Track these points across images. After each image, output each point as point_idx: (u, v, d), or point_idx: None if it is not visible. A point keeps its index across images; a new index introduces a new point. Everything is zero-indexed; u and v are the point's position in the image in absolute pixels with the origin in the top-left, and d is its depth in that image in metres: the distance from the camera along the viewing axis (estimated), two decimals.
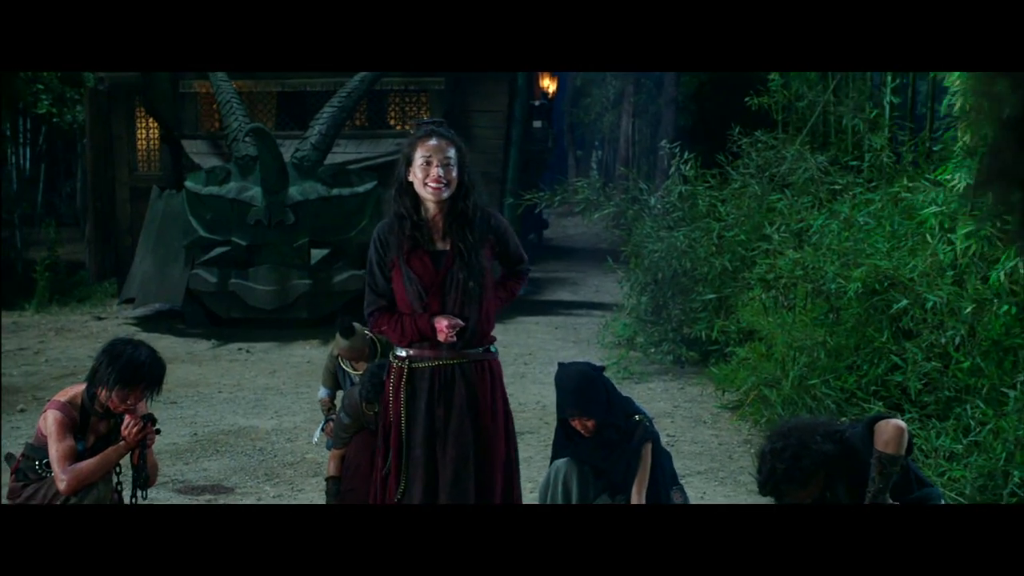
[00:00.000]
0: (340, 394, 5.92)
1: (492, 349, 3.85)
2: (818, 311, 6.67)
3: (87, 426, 4.20)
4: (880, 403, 5.95)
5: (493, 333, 3.88)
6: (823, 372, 6.29)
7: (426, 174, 3.67)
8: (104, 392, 4.13)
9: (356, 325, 5.80)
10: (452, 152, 3.70)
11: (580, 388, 4.28)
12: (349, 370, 6.02)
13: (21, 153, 15.47)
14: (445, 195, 3.68)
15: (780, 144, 8.81)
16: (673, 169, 9.25)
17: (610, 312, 10.76)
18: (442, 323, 3.66)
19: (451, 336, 3.65)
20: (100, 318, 11.56)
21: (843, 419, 5.53)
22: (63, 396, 4.22)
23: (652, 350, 9.08)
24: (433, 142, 3.70)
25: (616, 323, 9.84)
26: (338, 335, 5.88)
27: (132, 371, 4.09)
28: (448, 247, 3.74)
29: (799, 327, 6.66)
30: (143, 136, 13.10)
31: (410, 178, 3.74)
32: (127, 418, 4.15)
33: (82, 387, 4.23)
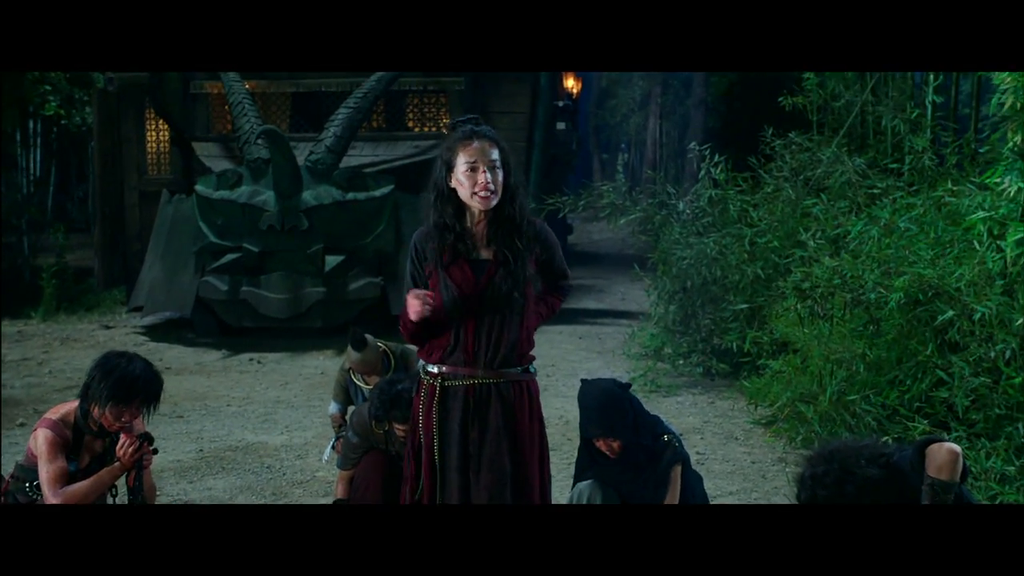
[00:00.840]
0: (352, 409, 5.79)
1: (531, 369, 3.67)
2: (857, 322, 6.49)
3: (80, 446, 4.08)
4: (924, 421, 5.76)
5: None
6: (863, 387, 6.11)
7: (473, 182, 3.47)
8: (97, 409, 4.01)
9: (368, 337, 5.66)
10: (496, 154, 3.51)
11: (605, 407, 4.11)
12: (361, 384, 5.88)
13: (30, 156, 15.42)
14: (495, 202, 3.51)
15: (815, 146, 8.68)
16: (703, 172, 9.14)
17: (637, 321, 10.67)
18: (412, 300, 3.48)
19: (424, 311, 3.44)
20: (108, 327, 11.51)
21: (886, 439, 5.35)
22: (54, 414, 4.10)
23: (681, 362, 8.97)
24: (476, 144, 3.49)
25: (643, 333, 9.74)
26: (349, 347, 5.76)
27: (126, 387, 3.97)
28: (491, 255, 3.56)
29: (837, 339, 6.48)
30: (153, 138, 13.02)
31: (452, 184, 3.55)
32: (122, 437, 4.02)
33: (75, 404, 4.11)
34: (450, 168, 3.54)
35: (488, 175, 3.47)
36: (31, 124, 15.36)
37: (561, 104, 16.04)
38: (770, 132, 8.81)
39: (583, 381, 4.28)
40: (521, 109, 12.65)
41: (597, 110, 29.49)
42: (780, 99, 9.01)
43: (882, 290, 6.11)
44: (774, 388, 7.08)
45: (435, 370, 3.56)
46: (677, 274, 8.85)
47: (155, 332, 11.13)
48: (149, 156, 13.01)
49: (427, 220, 3.62)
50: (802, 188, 8.44)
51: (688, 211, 9.22)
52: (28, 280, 13.25)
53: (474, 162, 3.48)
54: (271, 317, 10.25)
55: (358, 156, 11.38)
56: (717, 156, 8.94)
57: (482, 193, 3.48)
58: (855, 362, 6.24)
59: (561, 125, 15.98)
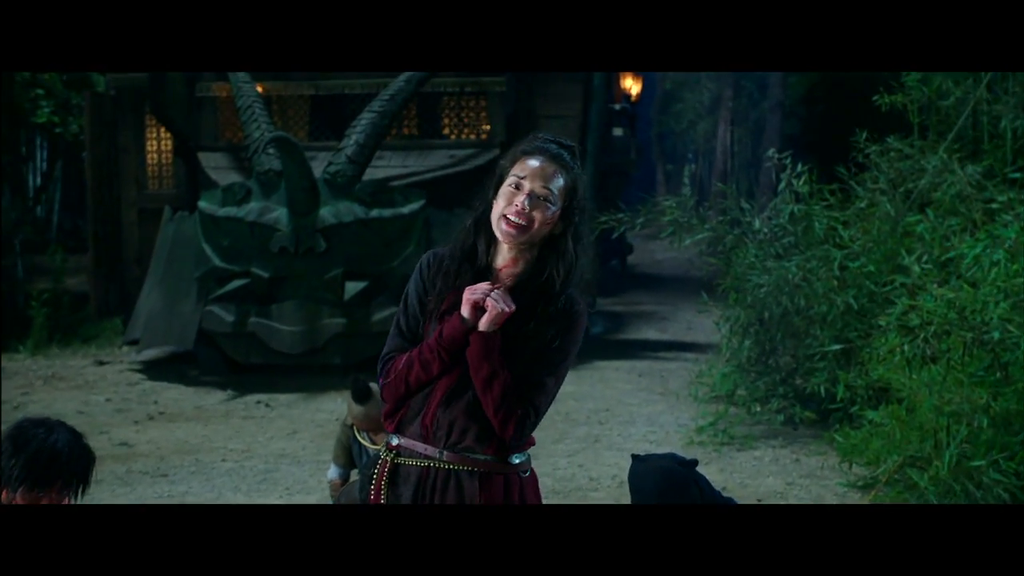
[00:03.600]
0: (355, 474, 5.36)
1: (517, 460, 3.04)
2: (978, 366, 6.08)
3: None
4: None
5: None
6: (989, 449, 5.54)
7: (508, 202, 2.95)
8: (7, 494, 3.39)
9: (373, 386, 5.15)
10: (558, 184, 2.96)
11: (664, 494, 3.44)
12: (367, 444, 5.40)
13: (26, 168, 15.22)
14: (522, 238, 2.95)
15: (918, 152, 8.37)
16: (782, 184, 8.93)
17: (705, 356, 10.64)
18: (476, 292, 2.92)
19: (500, 307, 2.89)
20: (102, 363, 11.27)
21: None
22: None
23: (757, 407, 8.68)
24: (536, 162, 2.97)
25: (713, 372, 9.42)
26: (351, 399, 5.26)
27: (43, 465, 3.36)
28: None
29: (952, 387, 6.06)
30: (154, 148, 12.90)
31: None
32: None
33: None
34: (500, 183, 3.04)
35: (528, 201, 2.92)
36: (27, 133, 15.10)
37: (618, 107, 16.05)
38: (864, 136, 8.53)
39: (634, 459, 3.61)
40: (571, 113, 12.47)
41: (660, 115, 29.92)
42: (875, 98, 8.66)
43: (1010, 328, 5.79)
44: (873, 444, 6.72)
45: (395, 441, 3.09)
46: (752, 303, 8.65)
47: (153, 369, 10.86)
48: (149, 168, 12.95)
49: (453, 242, 3.11)
50: (903, 202, 8.17)
51: (765, 230, 9.00)
52: (22, 307, 13.03)
53: (523, 178, 2.96)
54: (283, 353, 10.04)
55: (384, 167, 11.15)
56: (800, 165, 8.75)
57: (511, 217, 2.93)
58: (977, 416, 5.84)
59: (618, 131, 16.10)
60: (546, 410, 3.02)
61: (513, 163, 3.00)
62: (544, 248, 2.99)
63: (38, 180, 15.50)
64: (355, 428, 5.42)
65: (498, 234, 2.96)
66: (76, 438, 3.47)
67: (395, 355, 3.07)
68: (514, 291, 2.97)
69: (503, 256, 3.02)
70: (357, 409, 5.26)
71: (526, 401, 2.95)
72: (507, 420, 2.93)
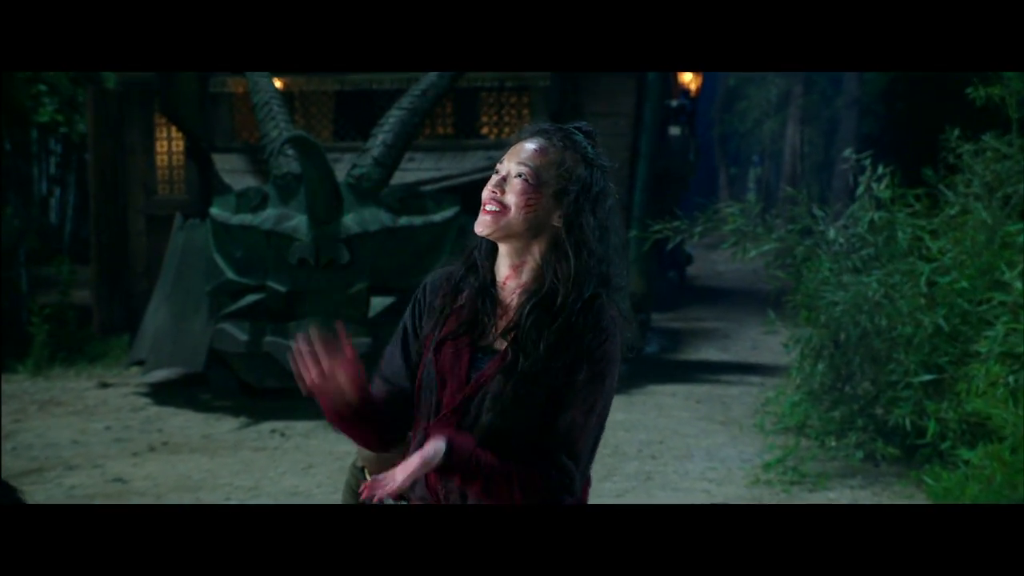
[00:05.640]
0: None
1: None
2: None
3: None
4: None
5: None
6: None
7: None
8: None
9: None
10: (542, 158, 2.68)
11: None
12: None
13: (36, 172, 15.18)
14: (497, 229, 2.67)
15: (1018, 152, 8.25)
16: (861, 189, 8.88)
17: (772, 381, 10.62)
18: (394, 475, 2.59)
19: (380, 496, 2.58)
20: (105, 384, 11.10)
21: None
22: None
23: (832, 441, 8.54)
24: (518, 144, 2.75)
25: (781, 399, 9.34)
26: None
27: None
28: (503, 346, 2.70)
29: None
30: (163, 149, 12.88)
31: None
32: None
33: None
34: None
35: (498, 180, 2.69)
36: (38, 134, 15.08)
37: (675, 104, 16.03)
38: (955, 134, 8.40)
39: None
40: (623, 110, 12.46)
41: (723, 114, 30.09)
42: (969, 91, 8.47)
43: None
44: (970, 489, 6.55)
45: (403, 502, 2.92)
46: (827, 323, 8.60)
47: (160, 393, 10.70)
48: (159, 171, 12.94)
49: (461, 258, 2.88)
50: (1000, 209, 8.05)
51: (841, 240, 8.97)
52: (26, 323, 12.90)
53: (501, 162, 2.71)
54: None
55: (415, 170, 11.07)
56: (880, 167, 8.68)
57: (484, 205, 2.68)
58: None
59: (675, 130, 16.17)
60: (592, 452, 2.71)
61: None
62: (546, 250, 2.69)
63: (42, 185, 15.42)
64: (366, 471, 5.08)
65: (477, 230, 2.69)
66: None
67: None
68: (525, 308, 2.68)
69: (503, 267, 2.73)
70: (368, 452, 4.91)
71: (553, 465, 2.64)
72: (543, 499, 2.65)
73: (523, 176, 2.64)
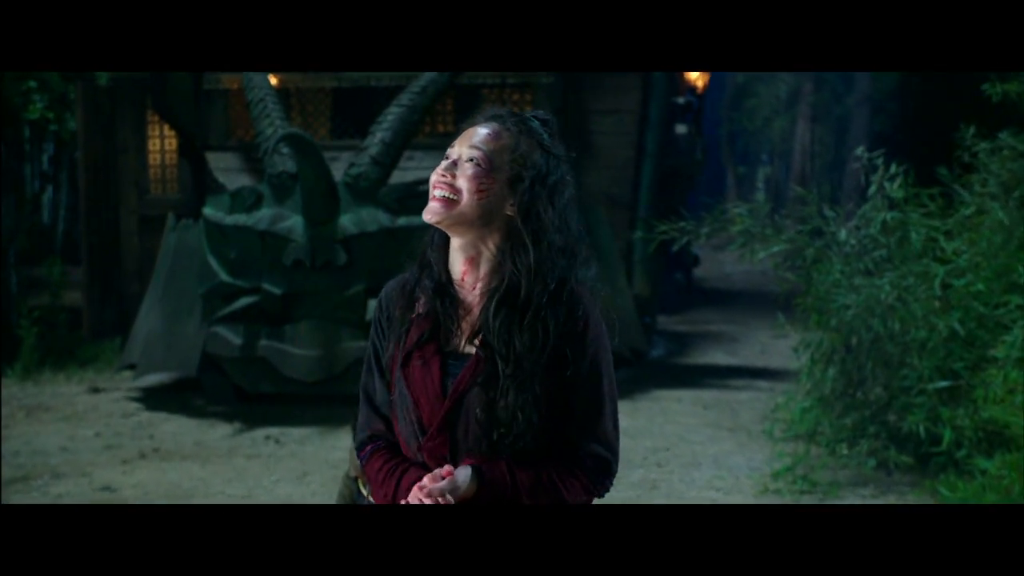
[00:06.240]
0: None
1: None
2: None
3: None
4: None
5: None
6: None
7: None
8: None
9: None
10: (494, 143, 2.61)
11: None
12: (372, 500, 4.88)
13: (29, 170, 15.15)
14: (447, 216, 2.60)
15: None
16: (873, 188, 8.80)
17: (782, 386, 10.45)
18: (425, 485, 2.58)
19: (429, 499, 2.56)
20: (96, 390, 11.01)
21: None
22: None
23: (844, 449, 8.44)
24: (470, 128, 2.68)
25: (791, 406, 9.20)
26: (354, 449, 4.78)
27: None
28: (474, 349, 2.63)
29: None
30: (156, 148, 12.81)
31: None
32: None
33: None
34: None
35: (449, 165, 2.62)
36: (31, 131, 15.06)
37: (682, 101, 15.98)
38: (971, 132, 8.36)
39: None
40: (628, 107, 12.44)
41: (731, 112, 30.15)
42: (985, 87, 8.45)
43: None
44: (987, 499, 6.52)
45: None
46: (838, 327, 8.54)
47: (153, 398, 10.64)
48: (152, 170, 12.87)
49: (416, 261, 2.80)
50: (1018, 209, 7.99)
51: (853, 241, 8.92)
52: (15, 326, 12.86)
53: (451, 147, 2.66)
54: (297, 380, 9.91)
55: (415, 169, 10.92)
56: (893, 166, 8.67)
57: (432, 191, 2.61)
58: None
59: (681, 128, 16.15)
60: (616, 427, 2.71)
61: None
62: (501, 241, 2.61)
63: (33, 184, 15.39)
64: (359, 482, 5.01)
65: (426, 217, 2.61)
66: None
67: (371, 442, 2.80)
68: (489, 308, 2.60)
69: (458, 262, 2.65)
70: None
71: (586, 455, 2.67)
72: (588, 491, 2.68)
73: (475, 160, 2.57)
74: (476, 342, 2.59)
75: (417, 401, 2.61)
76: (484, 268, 2.62)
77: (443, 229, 2.60)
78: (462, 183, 2.56)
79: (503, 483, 2.54)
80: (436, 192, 2.57)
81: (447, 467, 2.56)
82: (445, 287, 2.65)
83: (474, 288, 2.63)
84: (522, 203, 2.59)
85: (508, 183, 2.59)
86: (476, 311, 2.62)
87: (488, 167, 2.57)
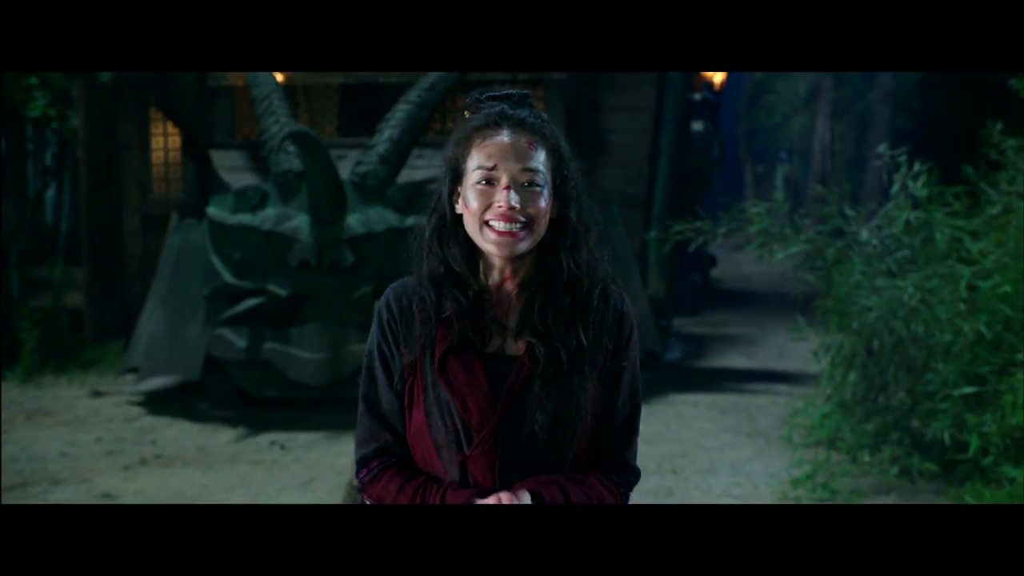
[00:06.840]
0: None
1: None
2: None
3: None
4: None
5: None
6: None
7: (484, 204, 2.52)
8: None
9: None
10: (540, 155, 2.52)
11: None
12: None
13: (32, 168, 15.14)
14: (522, 246, 2.51)
15: None
16: (896, 187, 8.76)
17: (801, 390, 10.49)
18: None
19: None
20: (98, 393, 11.00)
21: None
22: None
23: (865, 455, 8.45)
24: (501, 138, 2.53)
25: (811, 411, 9.31)
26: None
27: None
28: (523, 350, 2.56)
29: None
30: (159, 146, 12.80)
31: (458, 208, 2.60)
32: None
33: None
34: (456, 175, 2.59)
35: (515, 195, 2.47)
36: (34, 129, 15.06)
37: (699, 98, 15.95)
38: (997, 129, 8.33)
39: None
40: (643, 104, 12.38)
41: (749, 109, 30.13)
42: (1012, 82, 8.61)
43: None
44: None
45: None
46: (859, 329, 8.54)
47: (156, 402, 10.62)
48: (155, 169, 12.85)
49: (415, 270, 2.66)
50: None
51: (875, 241, 8.95)
52: (15, 327, 12.86)
53: (492, 168, 2.49)
54: (303, 384, 9.89)
55: (424, 167, 10.85)
56: (917, 164, 8.64)
57: (498, 225, 2.47)
58: None
59: (698, 126, 16.33)
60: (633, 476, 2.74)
61: (468, 147, 2.55)
62: (542, 244, 2.55)
63: (35, 181, 15.40)
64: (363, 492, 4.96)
65: (486, 248, 2.51)
66: None
67: (375, 457, 2.67)
68: (524, 316, 2.56)
69: (495, 270, 2.57)
70: None
71: (623, 467, 2.69)
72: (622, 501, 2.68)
73: (535, 182, 2.50)
74: (520, 343, 2.55)
75: (464, 404, 2.52)
76: (525, 272, 2.57)
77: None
78: (531, 210, 2.50)
79: (549, 499, 2.52)
80: (508, 227, 2.48)
81: (504, 493, 2.50)
82: (479, 296, 2.59)
83: (515, 289, 2.58)
84: (568, 202, 2.57)
85: (554, 188, 2.56)
86: (517, 312, 2.57)
87: (545, 183, 2.52)
